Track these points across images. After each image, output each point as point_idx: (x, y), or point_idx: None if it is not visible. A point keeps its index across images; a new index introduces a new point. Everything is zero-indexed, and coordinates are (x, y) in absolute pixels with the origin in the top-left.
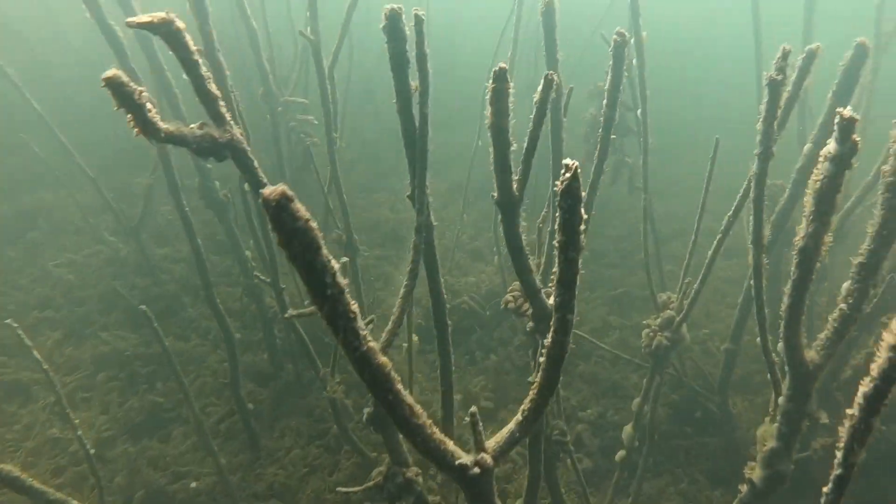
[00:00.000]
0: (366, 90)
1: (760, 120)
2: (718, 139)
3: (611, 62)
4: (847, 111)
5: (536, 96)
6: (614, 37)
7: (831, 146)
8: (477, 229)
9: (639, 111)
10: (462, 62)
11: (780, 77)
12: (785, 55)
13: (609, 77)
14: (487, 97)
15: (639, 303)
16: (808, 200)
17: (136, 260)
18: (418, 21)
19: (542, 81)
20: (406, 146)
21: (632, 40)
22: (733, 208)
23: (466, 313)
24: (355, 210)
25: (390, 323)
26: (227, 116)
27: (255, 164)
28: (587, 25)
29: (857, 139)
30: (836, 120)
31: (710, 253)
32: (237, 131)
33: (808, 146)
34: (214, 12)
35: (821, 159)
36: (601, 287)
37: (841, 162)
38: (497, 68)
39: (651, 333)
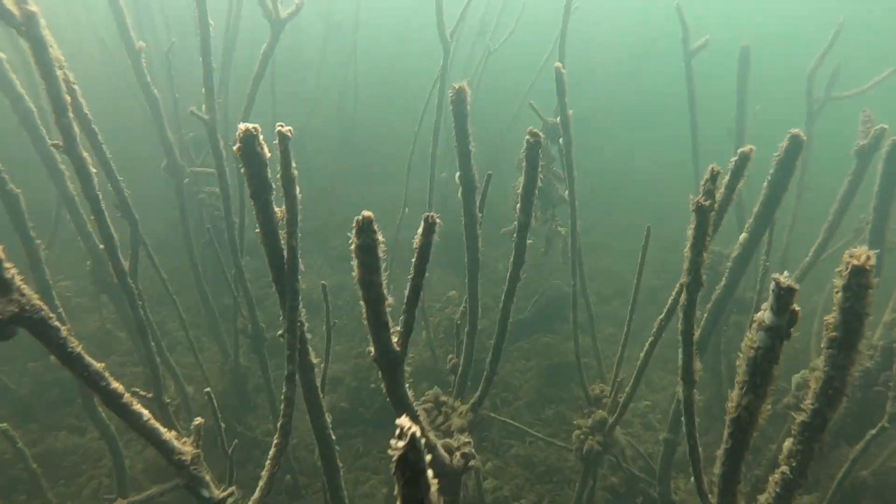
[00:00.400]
0: (297, 143)
1: (688, 246)
2: (650, 227)
3: (524, 164)
4: (784, 278)
5: (417, 241)
6: (527, 137)
7: (767, 315)
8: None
9: (566, 192)
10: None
11: (708, 203)
12: (714, 177)
13: (522, 180)
14: (352, 247)
15: (576, 373)
16: (741, 368)
17: (29, 341)
18: (283, 139)
19: (423, 225)
20: (274, 281)
21: (558, 118)
22: (663, 316)
23: None
24: None
25: (257, 491)
26: (16, 281)
27: (63, 332)
28: (523, 84)
29: (798, 309)
30: (773, 287)
31: (641, 356)
32: (31, 297)
33: (743, 236)
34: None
35: (755, 325)
36: (536, 356)
37: (777, 334)
38: (361, 218)
39: (582, 436)
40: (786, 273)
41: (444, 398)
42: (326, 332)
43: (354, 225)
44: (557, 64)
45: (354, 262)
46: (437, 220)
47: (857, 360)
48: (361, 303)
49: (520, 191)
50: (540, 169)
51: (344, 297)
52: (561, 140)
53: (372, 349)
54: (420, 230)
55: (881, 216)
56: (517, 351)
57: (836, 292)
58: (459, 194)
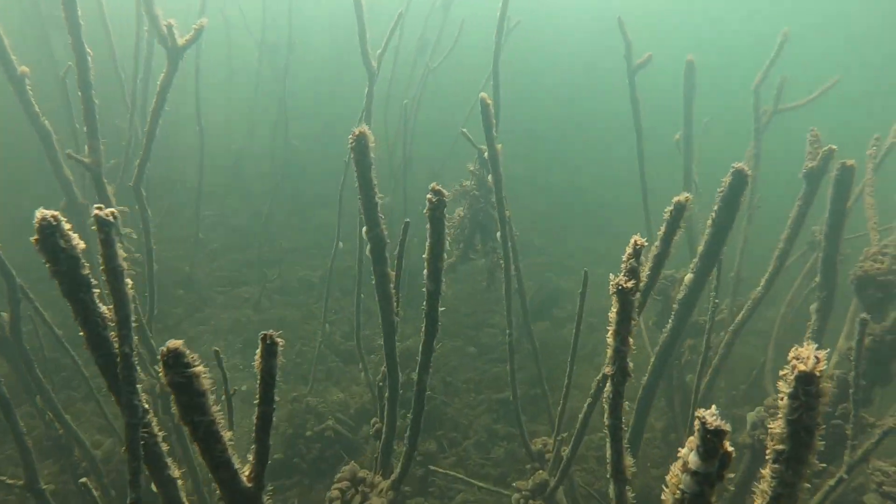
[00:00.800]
0: (234, 167)
1: (610, 332)
2: (587, 272)
3: (428, 227)
4: (711, 416)
5: (258, 365)
6: (429, 196)
7: (692, 459)
8: (352, 326)
9: (498, 233)
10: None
11: (630, 284)
12: (636, 252)
13: (428, 243)
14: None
15: (528, 405)
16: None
17: None
18: (102, 225)
19: (261, 346)
20: (111, 391)
21: (486, 153)
22: (599, 377)
23: (332, 440)
24: (215, 308)
25: None
26: None
27: None
28: (456, 116)
29: (731, 450)
30: (698, 427)
31: (580, 418)
32: None
33: (688, 276)
34: None
35: (679, 458)
36: (487, 388)
37: (706, 480)
38: (166, 350)
39: (522, 500)
40: (713, 408)
41: (362, 474)
42: (227, 402)
43: (160, 356)
44: (483, 95)
45: (173, 398)
46: (279, 341)
47: (806, 475)
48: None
49: (425, 256)
50: (477, 201)
51: (283, 332)
52: (490, 177)
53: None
54: (259, 353)
55: (832, 242)
56: (466, 383)
57: (781, 398)
58: (368, 251)
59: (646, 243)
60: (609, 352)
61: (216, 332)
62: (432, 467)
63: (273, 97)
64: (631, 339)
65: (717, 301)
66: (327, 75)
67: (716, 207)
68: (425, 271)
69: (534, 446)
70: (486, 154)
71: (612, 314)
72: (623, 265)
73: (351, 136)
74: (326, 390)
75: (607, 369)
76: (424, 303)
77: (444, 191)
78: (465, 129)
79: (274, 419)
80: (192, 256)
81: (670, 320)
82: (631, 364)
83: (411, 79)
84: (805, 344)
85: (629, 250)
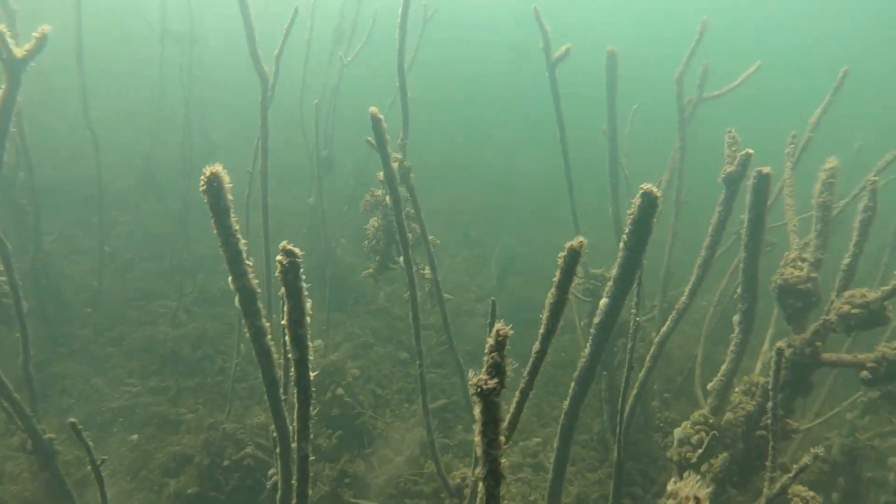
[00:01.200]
0: (146, 174)
1: (477, 432)
2: (494, 301)
3: (284, 290)
4: None
5: None
6: (279, 257)
7: None
8: (278, 337)
9: (419, 251)
10: None
11: (493, 383)
12: (499, 344)
13: (286, 308)
14: None
15: (465, 412)
16: None
17: None
18: None
19: None
20: None
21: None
22: None
23: (252, 469)
24: (129, 325)
25: None
26: None
27: None
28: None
29: None
30: None
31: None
32: None
33: (603, 300)
34: None
35: None
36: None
37: None
38: None
39: None
40: None
41: None
42: (95, 474)
43: None
44: (373, 109)
45: None
46: None
47: None
48: None
49: (284, 322)
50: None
51: (203, 348)
52: (388, 197)
53: None
54: None
55: (752, 252)
56: (399, 393)
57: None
58: (237, 302)
59: (511, 332)
60: (478, 452)
61: (129, 353)
62: (352, 500)
63: (185, 92)
64: (502, 439)
65: (637, 319)
66: (245, 67)
67: (627, 230)
68: (286, 337)
69: (452, 480)
70: (380, 175)
71: (477, 414)
72: (486, 359)
73: (202, 177)
74: (248, 410)
75: (479, 471)
76: (293, 369)
77: (297, 250)
78: (370, 138)
79: (188, 448)
80: (100, 270)
81: (587, 345)
82: (505, 461)
83: (328, 72)
84: (688, 473)
85: (490, 342)
